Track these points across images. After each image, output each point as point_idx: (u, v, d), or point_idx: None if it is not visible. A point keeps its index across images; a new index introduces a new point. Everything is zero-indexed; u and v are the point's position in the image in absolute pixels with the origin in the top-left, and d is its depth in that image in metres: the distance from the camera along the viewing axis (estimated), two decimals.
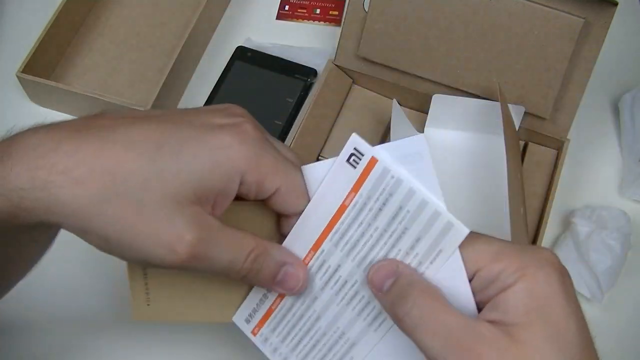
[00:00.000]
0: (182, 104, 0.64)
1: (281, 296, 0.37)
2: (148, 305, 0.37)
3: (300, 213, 0.35)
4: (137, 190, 0.30)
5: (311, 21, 0.68)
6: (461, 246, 0.31)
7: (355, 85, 0.61)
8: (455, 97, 0.54)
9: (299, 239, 0.36)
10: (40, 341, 0.50)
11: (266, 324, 0.38)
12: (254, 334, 0.39)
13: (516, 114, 0.54)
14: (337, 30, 0.66)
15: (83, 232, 0.31)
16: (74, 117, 0.61)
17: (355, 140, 0.33)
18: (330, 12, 0.68)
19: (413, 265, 0.33)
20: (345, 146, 0.33)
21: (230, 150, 0.31)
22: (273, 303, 0.38)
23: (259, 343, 0.39)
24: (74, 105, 0.60)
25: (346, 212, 0.34)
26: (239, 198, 0.34)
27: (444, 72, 0.55)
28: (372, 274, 0.33)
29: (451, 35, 0.54)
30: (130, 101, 0.58)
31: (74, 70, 0.64)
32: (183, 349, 0.50)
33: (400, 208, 0.32)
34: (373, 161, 0.32)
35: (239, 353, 0.49)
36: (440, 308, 0.30)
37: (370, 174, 0.32)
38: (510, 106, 0.53)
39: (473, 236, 0.31)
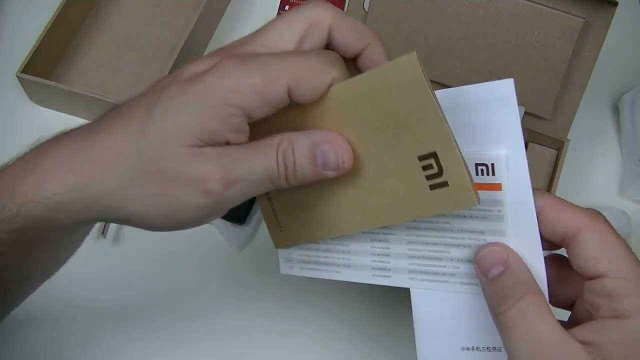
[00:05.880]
0: None
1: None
2: (281, 231, 0.38)
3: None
4: (149, 160, 0.31)
5: None
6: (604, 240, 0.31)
7: None
8: None
9: None
10: (48, 335, 0.51)
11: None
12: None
13: None
14: None
15: (126, 220, 0.32)
16: (74, 117, 0.62)
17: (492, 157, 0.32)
18: None
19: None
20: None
21: (214, 89, 0.31)
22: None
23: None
24: (74, 105, 0.60)
25: None
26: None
27: (444, 72, 0.55)
28: (481, 256, 0.32)
29: (451, 35, 0.54)
30: None
31: (74, 70, 0.64)
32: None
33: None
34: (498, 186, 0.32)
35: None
36: (539, 315, 0.30)
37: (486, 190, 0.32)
38: None
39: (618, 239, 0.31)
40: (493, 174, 0.32)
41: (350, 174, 0.33)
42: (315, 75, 0.31)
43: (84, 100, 0.58)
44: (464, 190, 0.31)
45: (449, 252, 0.34)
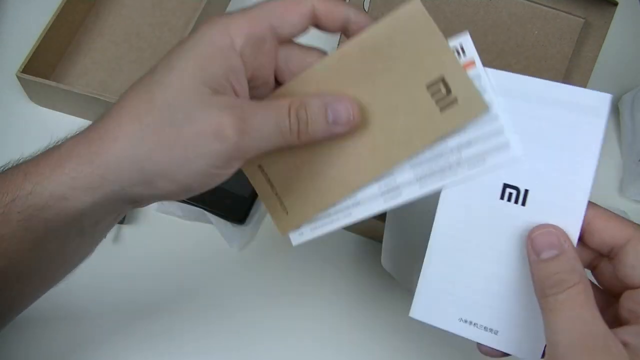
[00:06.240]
0: None
1: None
2: (287, 213, 0.38)
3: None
4: (159, 114, 0.32)
5: None
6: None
7: None
8: None
9: None
10: (53, 335, 0.51)
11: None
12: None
13: None
14: None
15: (148, 183, 0.33)
16: (74, 117, 0.62)
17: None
18: None
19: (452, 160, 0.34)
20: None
21: (205, 38, 0.33)
22: None
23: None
24: (74, 105, 0.60)
25: None
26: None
27: None
28: (536, 235, 0.32)
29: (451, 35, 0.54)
30: None
31: (74, 70, 0.64)
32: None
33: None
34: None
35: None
36: (587, 306, 0.30)
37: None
38: None
39: None
40: (464, 54, 0.34)
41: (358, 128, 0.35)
42: (295, 5, 0.34)
43: (84, 100, 0.58)
44: (473, 98, 0.33)
45: (446, 144, 0.34)
